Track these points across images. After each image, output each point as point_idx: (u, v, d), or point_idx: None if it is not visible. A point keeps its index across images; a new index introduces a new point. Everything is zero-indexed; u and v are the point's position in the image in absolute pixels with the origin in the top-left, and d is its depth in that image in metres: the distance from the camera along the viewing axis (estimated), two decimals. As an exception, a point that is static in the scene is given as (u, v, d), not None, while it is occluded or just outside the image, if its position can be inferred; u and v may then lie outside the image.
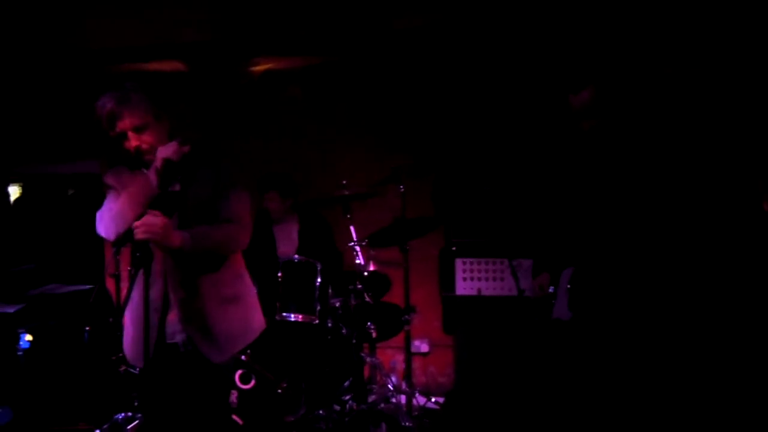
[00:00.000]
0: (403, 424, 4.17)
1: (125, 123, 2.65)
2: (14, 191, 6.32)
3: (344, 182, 4.41)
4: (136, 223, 2.51)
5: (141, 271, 2.59)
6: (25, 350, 4.68)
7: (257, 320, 2.93)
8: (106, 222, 2.68)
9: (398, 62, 5.30)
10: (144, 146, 2.68)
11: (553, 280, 3.29)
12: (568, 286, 3.12)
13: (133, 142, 2.67)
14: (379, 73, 5.41)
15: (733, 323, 3.30)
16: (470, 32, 4.86)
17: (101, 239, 5.96)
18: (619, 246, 3.05)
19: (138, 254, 2.53)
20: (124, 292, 4.92)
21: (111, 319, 4.78)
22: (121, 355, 4.58)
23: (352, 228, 4.38)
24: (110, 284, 5.30)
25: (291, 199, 4.75)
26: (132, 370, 4.49)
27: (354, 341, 4.18)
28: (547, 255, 3.32)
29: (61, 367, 4.71)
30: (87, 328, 4.82)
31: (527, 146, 4.96)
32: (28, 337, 4.75)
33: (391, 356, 5.27)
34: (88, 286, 5.25)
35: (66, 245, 6.09)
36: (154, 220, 2.53)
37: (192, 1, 4.40)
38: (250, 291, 2.93)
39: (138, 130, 2.66)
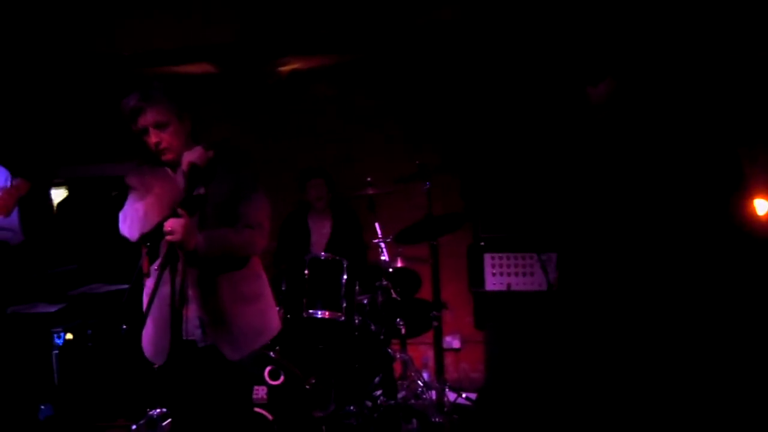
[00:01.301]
0: (432, 419, 4.18)
1: (147, 119, 2.72)
2: (59, 194, 6.51)
3: (369, 179, 4.43)
4: (167, 223, 2.58)
5: (158, 270, 2.66)
6: (60, 347, 4.82)
7: (274, 320, 2.97)
8: (131, 222, 2.74)
9: (424, 58, 5.29)
10: (164, 144, 2.75)
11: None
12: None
13: (153, 138, 2.74)
14: (405, 70, 5.41)
15: (739, 325, 3.23)
16: (496, 26, 4.82)
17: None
18: (633, 240, 3.00)
19: (164, 254, 2.60)
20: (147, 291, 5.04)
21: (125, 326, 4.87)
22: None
23: (377, 225, 4.39)
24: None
25: (332, 193, 4.80)
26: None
27: (382, 337, 4.19)
28: (573, 247, 3.28)
29: (100, 365, 4.83)
30: (124, 327, 4.94)
31: (553, 139, 4.90)
32: (68, 336, 4.89)
33: (423, 352, 5.27)
34: (128, 285, 5.39)
35: (109, 245, 6.24)
36: (178, 221, 2.59)
37: (220, 2, 4.46)
38: (267, 290, 2.97)
39: (159, 126, 2.73)
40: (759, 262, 3.21)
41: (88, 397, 4.79)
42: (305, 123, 5.60)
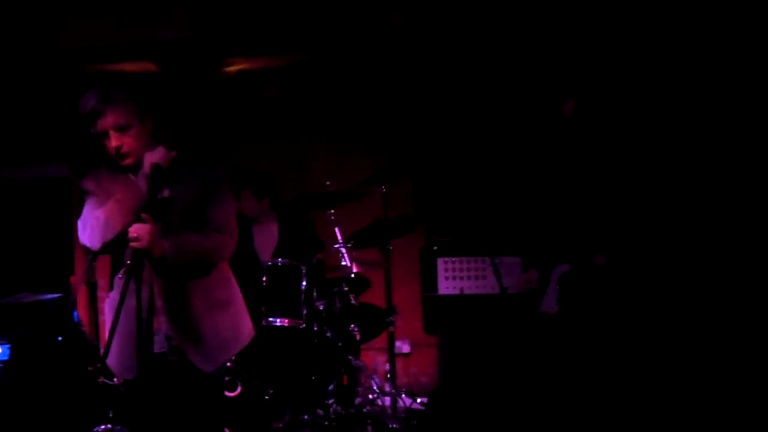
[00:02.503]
0: (390, 426, 4.15)
1: (107, 121, 2.57)
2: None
3: (328, 183, 4.36)
4: (131, 229, 2.44)
5: (124, 279, 2.53)
6: (4, 362, 4.53)
7: (246, 326, 2.89)
8: (92, 230, 2.59)
9: (377, 60, 5.26)
10: (125, 148, 2.61)
11: (543, 277, 3.30)
12: (558, 283, 3.14)
13: (113, 142, 2.60)
14: (357, 73, 5.37)
15: (721, 324, 3.36)
16: (448, 30, 4.85)
17: (68, 246, 5.83)
18: (608, 244, 3.07)
19: (129, 262, 2.46)
20: (102, 300, 4.79)
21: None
22: (99, 365, 4.52)
23: (337, 230, 4.32)
24: (83, 293, 5.18)
25: (267, 199, 4.66)
26: (109, 382, 4.38)
27: (340, 344, 4.13)
28: (537, 251, 3.33)
29: (35, 379, 4.54)
30: (60, 338, 4.67)
31: (510, 145, 4.98)
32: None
33: (372, 358, 5.22)
34: (57, 295, 5.11)
35: (31, 253, 5.92)
36: (143, 226, 2.46)
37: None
38: (238, 296, 2.88)
39: (120, 129, 2.59)
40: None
41: (20, 415, 4.50)
42: (254, 125, 5.47)
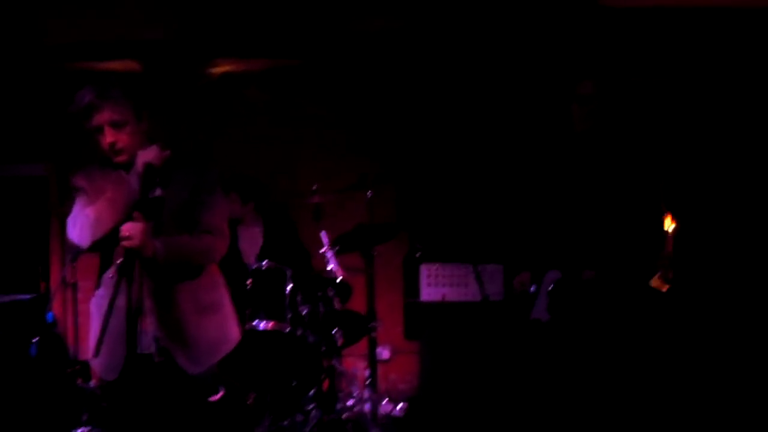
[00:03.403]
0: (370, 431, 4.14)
1: (103, 116, 2.56)
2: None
3: (314, 188, 4.35)
4: (123, 228, 2.41)
5: (113, 279, 2.51)
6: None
7: (233, 330, 2.88)
8: (82, 227, 2.57)
9: (363, 65, 5.26)
10: (119, 144, 2.60)
11: (534, 280, 3.31)
12: (550, 288, 3.15)
13: (108, 138, 2.58)
14: (343, 78, 5.37)
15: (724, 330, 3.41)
16: (432, 34, 4.87)
17: (42, 246, 5.72)
18: (604, 251, 3.09)
19: (120, 260, 2.43)
20: (82, 301, 4.70)
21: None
22: (78, 367, 4.45)
23: (323, 234, 4.31)
24: (60, 294, 5.08)
25: (252, 202, 4.64)
26: (85, 385, 4.31)
27: (324, 349, 4.12)
28: (528, 255, 3.34)
29: (9, 381, 4.44)
30: (34, 340, 4.57)
31: (496, 149, 5.02)
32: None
33: (352, 364, 5.20)
34: (27, 296, 5.01)
35: (3, 252, 5.79)
36: (134, 225, 2.45)
37: (151, -1, 4.26)
38: (226, 299, 2.88)
39: (115, 125, 2.58)
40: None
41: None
42: (239, 127, 5.43)
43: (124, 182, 2.62)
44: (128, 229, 2.45)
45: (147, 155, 2.56)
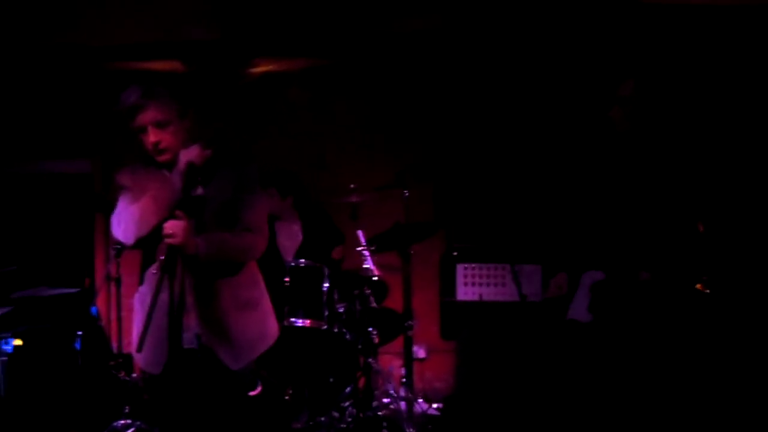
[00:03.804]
0: (406, 430, 4.16)
1: (147, 116, 2.59)
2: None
3: (352, 186, 4.37)
4: (166, 226, 2.46)
5: (156, 275, 2.56)
6: (9, 354, 4.53)
7: (272, 326, 2.91)
8: (126, 225, 2.62)
9: (401, 64, 5.27)
10: (163, 143, 2.63)
11: (571, 282, 3.27)
12: (591, 291, 3.11)
13: (152, 137, 2.62)
14: (382, 76, 5.38)
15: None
16: (470, 34, 4.86)
17: (87, 241, 5.85)
18: (646, 252, 3.04)
19: (162, 257, 2.48)
20: (126, 296, 4.81)
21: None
22: (120, 360, 4.54)
23: (360, 233, 4.34)
24: (104, 289, 5.19)
25: (291, 197, 4.68)
26: (128, 378, 4.40)
27: (360, 347, 4.14)
28: (565, 256, 3.31)
29: (54, 373, 4.56)
30: (80, 333, 4.68)
31: (534, 148, 4.98)
32: (17, 342, 4.60)
33: (388, 362, 5.22)
34: (75, 289, 5.13)
35: (50, 247, 5.95)
36: (177, 223, 2.50)
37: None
38: (265, 296, 2.90)
39: (159, 125, 2.61)
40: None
41: (38, 408, 4.52)
42: (279, 126, 5.49)
43: (167, 181, 2.66)
44: (171, 226, 2.49)
45: (189, 154, 2.60)
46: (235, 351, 2.69)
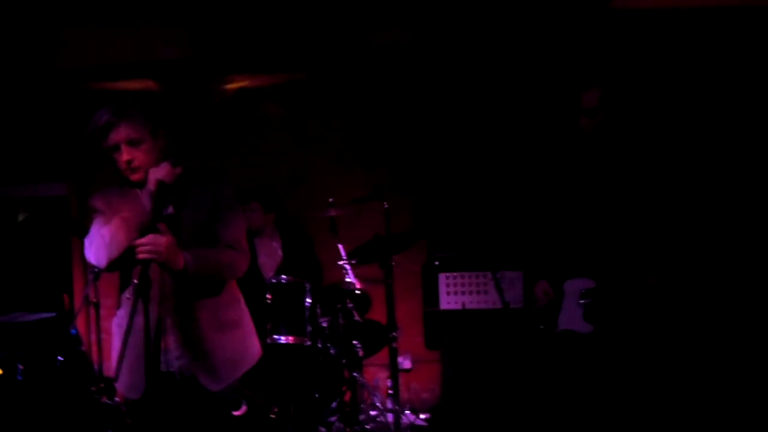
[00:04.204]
0: (394, 443, 4.14)
1: (120, 134, 2.57)
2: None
3: (331, 200, 4.36)
4: (141, 241, 2.43)
5: (130, 299, 2.52)
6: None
7: (254, 346, 2.87)
8: (97, 248, 2.58)
9: (375, 77, 5.28)
10: (136, 162, 2.61)
11: (554, 290, 3.25)
12: (582, 300, 3.06)
13: (125, 155, 2.59)
14: (357, 89, 5.38)
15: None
16: (443, 46, 4.88)
17: (63, 265, 5.78)
18: (633, 255, 3.03)
19: (136, 281, 2.44)
20: (105, 319, 4.76)
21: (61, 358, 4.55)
22: (102, 385, 4.48)
23: (340, 246, 4.32)
24: (83, 313, 5.13)
25: (273, 213, 4.66)
26: (110, 402, 4.34)
27: (344, 361, 4.12)
28: (545, 263, 3.29)
29: (35, 399, 4.49)
30: (60, 358, 4.61)
31: (511, 157, 5.00)
32: (-3, 370, 4.53)
33: (373, 374, 5.20)
34: (53, 314, 5.06)
35: (25, 272, 5.87)
36: (159, 238, 2.45)
37: (166, 18, 4.31)
38: (246, 316, 2.87)
39: (132, 143, 2.59)
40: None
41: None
42: (254, 142, 5.46)
43: (138, 201, 2.64)
44: (150, 240, 2.43)
45: (158, 173, 2.57)
46: (215, 373, 2.66)
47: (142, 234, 2.48)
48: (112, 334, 2.79)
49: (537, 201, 3.43)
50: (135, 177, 2.64)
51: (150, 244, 2.43)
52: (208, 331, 2.66)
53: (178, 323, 2.62)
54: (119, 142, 2.58)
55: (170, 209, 2.60)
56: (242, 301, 2.85)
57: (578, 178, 3.15)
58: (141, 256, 2.43)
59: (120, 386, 2.69)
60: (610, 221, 3.03)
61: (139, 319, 2.43)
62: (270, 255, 4.65)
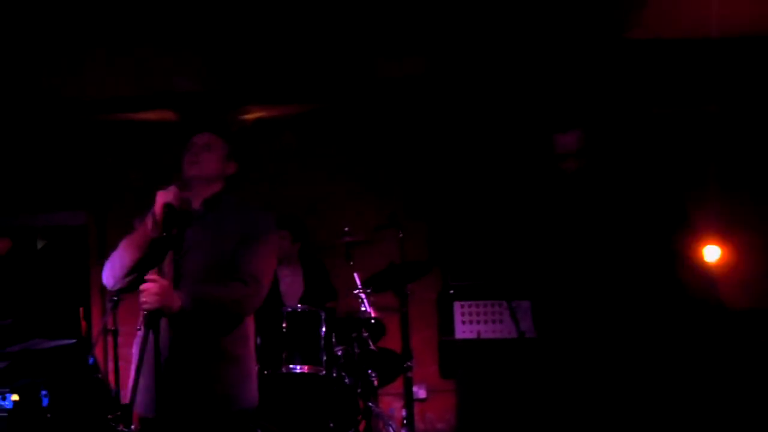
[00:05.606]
0: (409, 473, 4.10)
1: (202, 138, 2.69)
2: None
3: (346, 229, 4.39)
4: (142, 287, 2.42)
5: (142, 329, 2.50)
6: (9, 411, 4.48)
7: (250, 390, 2.75)
8: (105, 269, 2.65)
9: (388, 106, 5.34)
10: (201, 157, 2.66)
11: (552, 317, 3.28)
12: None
13: (195, 149, 2.68)
14: (370, 118, 5.44)
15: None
16: (453, 76, 4.95)
17: (81, 292, 5.84)
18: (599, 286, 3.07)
19: (145, 313, 2.43)
20: (123, 347, 4.79)
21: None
22: (118, 413, 4.49)
23: (356, 275, 4.34)
24: (101, 341, 5.16)
25: (300, 243, 4.69)
26: (125, 430, 4.34)
27: (359, 390, 4.11)
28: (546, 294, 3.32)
29: (53, 426, 4.51)
30: (77, 385, 4.64)
31: (518, 188, 5.02)
32: (14, 397, 4.55)
33: (388, 403, 5.18)
34: (71, 341, 5.09)
35: (44, 299, 5.92)
36: (151, 287, 2.41)
37: (184, 51, 4.40)
38: (250, 356, 2.76)
39: (207, 148, 2.68)
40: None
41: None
42: (271, 171, 5.52)
43: (144, 222, 2.61)
44: (145, 291, 2.40)
45: (166, 196, 2.55)
46: (215, 404, 2.59)
47: (146, 256, 2.51)
48: (133, 355, 2.76)
49: (528, 231, 3.46)
50: (191, 171, 2.66)
51: (143, 293, 2.40)
52: (211, 363, 2.59)
53: (182, 354, 2.57)
54: (195, 143, 2.68)
55: (173, 231, 2.56)
56: (251, 339, 2.75)
57: (562, 208, 3.19)
58: (143, 307, 2.42)
59: (138, 405, 2.66)
60: (592, 257, 3.07)
61: (151, 349, 2.42)
62: (293, 285, 4.67)
